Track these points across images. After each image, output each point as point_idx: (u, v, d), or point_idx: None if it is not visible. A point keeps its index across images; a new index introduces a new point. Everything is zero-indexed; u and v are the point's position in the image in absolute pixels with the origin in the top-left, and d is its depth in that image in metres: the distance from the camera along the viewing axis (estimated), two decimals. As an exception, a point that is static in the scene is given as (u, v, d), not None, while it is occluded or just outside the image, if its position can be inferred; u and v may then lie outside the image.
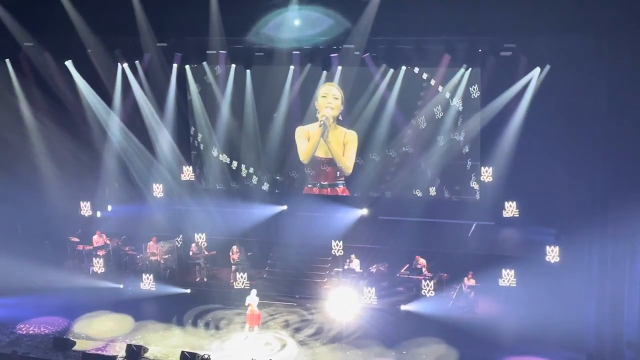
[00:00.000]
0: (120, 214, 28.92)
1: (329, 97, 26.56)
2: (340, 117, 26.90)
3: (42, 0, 21.78)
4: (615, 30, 19.17)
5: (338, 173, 27.57)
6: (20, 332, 22.69)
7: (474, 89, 25.62)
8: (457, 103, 25.83)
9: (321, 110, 26.71)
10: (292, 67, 25.25)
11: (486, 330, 22.51)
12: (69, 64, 25.46)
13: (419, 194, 26.74)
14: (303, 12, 22.88)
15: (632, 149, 19.49)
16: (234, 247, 25.36)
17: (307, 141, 27.33)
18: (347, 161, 27.26)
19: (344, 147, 27.22)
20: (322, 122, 26.74)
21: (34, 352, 21.26)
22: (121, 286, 25.77)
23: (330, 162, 27.43)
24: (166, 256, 26.31)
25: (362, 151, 27.06)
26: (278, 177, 27.93)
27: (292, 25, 23.11)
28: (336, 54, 23.80)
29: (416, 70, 25.42)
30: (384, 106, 26.00)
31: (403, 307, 23.76)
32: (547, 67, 22.80)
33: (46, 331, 22.60)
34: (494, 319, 23.33)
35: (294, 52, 24.22)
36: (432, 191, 26.77)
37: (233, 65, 25.65)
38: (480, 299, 23.64)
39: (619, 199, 19.81)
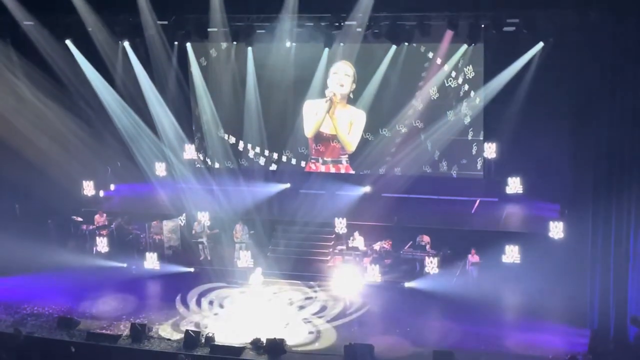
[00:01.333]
0: (123, 193, 29.00)
1: (340, 74, 26.70)
2: (351, 96, 26.92)
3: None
4: (621, 2, 19.02)
5: (341, 150, 27.67)
6: (25, 311, 22.71)
7: (476, 65, 25.61)
8: (460, 79, 25.87)
9: (331, 86, 26.72)
10: (294, 44, 25.12)
11: (490, 307, 22.59)
12: (69, 42, 25.36)
13: (422, 170, 26.79)
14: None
15: (637, 124, 19.39)
16: (238, 226, 25.35)
17: (314, 116, 27.47)
18: (351, 139, 27.47)
19: (350, 126, 27.32)
20: (328, 98, 26.81)
21: (39, 332, 21.32)
22: (125, 265, 25.80)
23: (335, 138, 27.58)
24: (170, 235, 26.31)
25: (365, 128, 27.09)
26: (281, 155, 27.99)
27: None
28: (338, 31, 23.66)
29: (419, 47, 25.37)
30: (386, 83, 25.97)
31: (407, 284, 23.76)
32: (551, 41, 22.67)
33: (50, 311, 22.60)
34: (497, 295, 23.40)
35: (295, 29, 24.04)
36: (435, 168, 26.85)
37: (234, 43, 25.52)
38: (484, 275, 23.65)
39: (623, 174, 19.75)
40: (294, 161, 28.07)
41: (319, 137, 27.86)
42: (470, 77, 25.84)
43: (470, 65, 25.72)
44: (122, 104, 26.74)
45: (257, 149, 28.12)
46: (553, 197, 25.03)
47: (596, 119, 20.21)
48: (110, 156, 27.60)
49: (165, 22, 24.38)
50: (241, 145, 28.25)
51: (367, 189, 27.03)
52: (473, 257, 23.54)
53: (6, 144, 23.85)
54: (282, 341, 20.21)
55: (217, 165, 28.46)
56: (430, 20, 22.82)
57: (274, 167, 28.26)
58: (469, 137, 26.45)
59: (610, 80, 19.56)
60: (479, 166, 26.56)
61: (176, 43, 26.03)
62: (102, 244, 25.97)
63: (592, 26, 20.51)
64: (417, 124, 26.56)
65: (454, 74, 25.83)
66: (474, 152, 26.50)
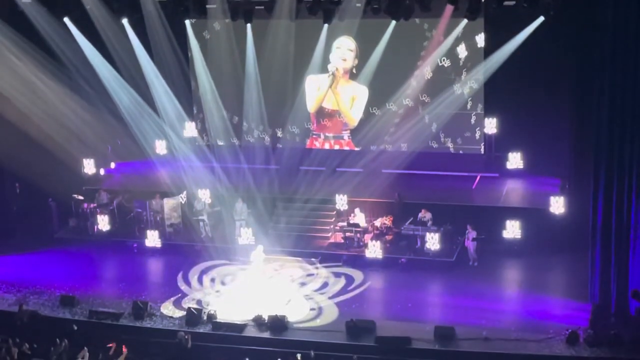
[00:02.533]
0: (123, 171, 29.04)
1: (343, 48, 26.83)
2: (354, 71, 26.95)
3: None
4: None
5: (344, 125, 27.69)
6: (27, 290, 22.76)
7: (477, 40, 25.55)
8: (460, 54, 25.90)
9: (334, 61, 26.73)
10: (293, 20, 25.03)
11: (491, 281, 22.73)
12: (67, 20, 25.25)
13: (422, 146, 26.81)
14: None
15: (638, 95, 19.34)
16: (239, 204, 25.35)
17: (316, 91, 27.60)
18: (353, 114, 27.67)
19: (352, 101, 27.38)
20: (331, 73, 26.87)
21: (42, 310, 21.39)
22: (127, 243, 25.84)
23: (337, 113, 27.61)
24: (171, 213, 26.31)
25: (368, 103, 27.11)
26: (281, 133, 28.01)
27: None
28: (337, 6, 23.54)
29: (418, 21, 25.29)
30: (387, 59, 25.90)
31: (407, 260, 23.79)
32: (552, 15, 22.55)
33: (52, 289, 22.65)
34: (498, 270, 23.51)
35: (295, 4, 23.90)
36: (436, 143, 26.85)
37: (233, 20, 25.39)
38: (485, 250, 23.69)
39: (624, 147, 19.71)
40: (294, 138, 28.03)
41: (321, 113, 27.92)
42: (471, 52, 25.79)
43: (471, 40, 25.67)
44: (121, 81, 26.63)
45: (257, 126, 28.10)
46: (554, 172, 25.16)
47: (597, 93, 20.12)
48: (110, 134, 27.53)
49: (164, -1, 24.31)
50: (243, 123, 28.21)
51: (367, 164, 26.96)
52: (471, 233, 23.54)
53: (5, 122, 23.81)
54: (284, 318, 20.30)
55: (217, 142, 28.40)
56: (430, -6, 22.70)
57: (274, 144, 28.23)
58: (470, 112, 26.47)
59: (612, 52, 19.44)
60: (479, 141, 26.56)
61: (175, 19, 25.90)
62: (103, 222, 26.00)
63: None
64: (420, 99, 26.57)
65: (454, 49, 25.76)
66: (474, 127, 26.51)
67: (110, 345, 18.57)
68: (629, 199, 19.85)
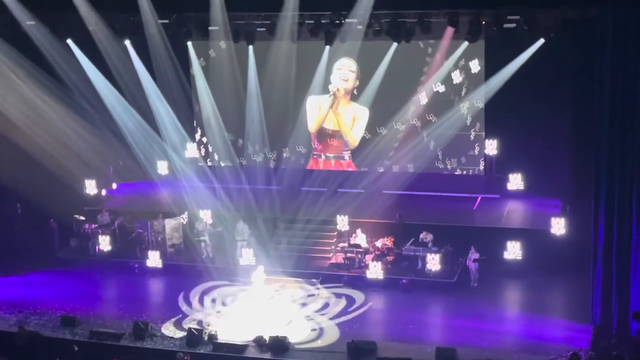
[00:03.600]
0: (125, 192, 29.06)
1: (344, 69, 26.94)
2: (355, 92, 27.07)
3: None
4: (618, 1, 19.06)
5: (344, 145, 27.75)
6: (27, 310, 22.74)
7: (477, 62, 25.66)
8: (461, 76, 25.95)
9: (335, 82, 26.92)
10: (294, 42, 25.15)
11: (492, 302, 22.70)
12: (70, 41, 25.39)
13: (423, 167, 26.85)
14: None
15: (638, 118, 19.44)
16: (240, 224, 25.37)
17: (317, 111, 27.66)
18: (354, 135, 27.70)
19: (353, 122, 27.46)
20: (332, 93, 26.98)
21: (42, 330, 21.35)
22: (128, 263, 25.85)
23: (337, 134, 27.70)
24: (172, 233, 26.32)
25: (368, 124, 27.17)
26: (283, 153, 28.03)
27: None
28: (339, 28, 23.67)
29: (419, 43, 25.41)
30: (388, 80, 26.00)
31: (408, 281, 23.77)
32: (552, 38, 22.66)
33: (53, 309, 22.63)
34: (499, 291, 23.48)
35: (296, 27, 24.01)
36: (437, 164, 26.88)
37: (235, 42, 25.50)
38: (486, 271, 23.68)
39: (625, 169, 19.79)
40: (296, 158, 28.07)
41: (322, 133, 27.97)
42: (472, 73, 25.87)
43: (471, 62, 25.75)
44: (123, 102, 26.75)
45: (259, 147, 28.15)
46: (554, 193, 25.12)
47: (597, 115, 20.21)
48: (112, 155, 27.60)
49: (166, 21, 24.38)
50: (242, 143, 28.28)
51: (369, 186, 26.98)
52: (474, 254, 23.54)
53: (8, 142, 23.88)
54: (285, 338, 20.29)
55: (219, 163, 28.46)
56: (431, 18, 22.78)
57: (276, 165, 28.30)
58: (470, 134, 26.49)
59: (611, 74, 19.55)
60: (480, 163, 26.59)
61: (177, 41, 26.02)
62: (104, 243, 26.02)
63: (593, 22, 20.50)
64: (421, 120, 26.60)
65: (455, 70, 25.86)
66: (475, 148, 26.54)
67: (112, 364, 18.64)
68: (630, 221, 19.88)
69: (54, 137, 25.12)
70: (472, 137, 26.50)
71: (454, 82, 26.03)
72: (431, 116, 26.45)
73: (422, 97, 26.19)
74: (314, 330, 21.35)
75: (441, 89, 26.14)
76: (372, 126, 27.19)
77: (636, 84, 19.33)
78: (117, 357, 18.76)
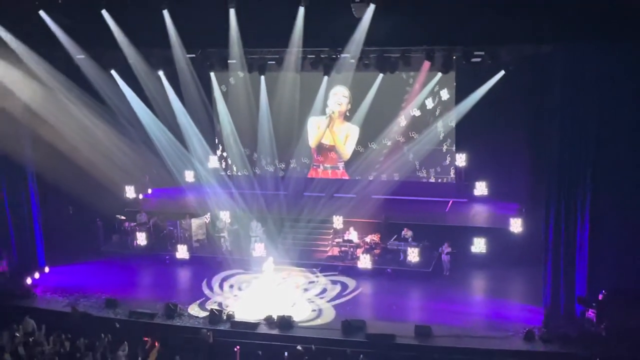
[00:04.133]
0: (158, 196, 29.06)
1: (339, 95, 26.94)
2: (347, 114, 27.04)
3: (91, 19, 21.67)
4: (567, 38, 19.13)
5: (339, 158, 27.78)
6: (78, 294, 22.75)
7: (449, 89, 25.70)
8: (436, 101, 25.94)
9: (331, 106, 26.85)
10: (298, 73, 25.16)
11: (461, 288, 22.73)
12: (113, 72, 25.44)
13: (404, 176, 26.87)
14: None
15: (581, 135, 19.52)
16: (253, 223, 25.38)
17: (317, 129, 27.64)
18: (347, 149, 27.67)
19: (346, 138, 27.48)
20: (328, 115, 27.03)
21: (90, 311, 21.39)
22: (161, 255, 25.85)
23: (333, 148, 27.74)
24: (197, 230, 26.35)
25: (358, 141, 27.18)
26: (290, 164, 28.00)
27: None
28: (335, 61, 23.71)
29: (402, 74, 25.46)
30: (376, 104, 26.03)
31: (392, 270, 23.78)
32: (511, 69, 22.73)
33: (99, 293, 22.63)
34: (467, 279, 23.50)
35: (300, 60, 24.03)
36: (416, 174, 26.89)
37: (250, 72, 25.52)
38: (456, 263, 23.68)
39: (571, 179, 19.84)
40: (299, 169, 28.08)
41: (321, 147, 27.98)
42: (444, 99, 25.95)
43: (444, 90, 25.81)
44: (157, 122, 26.73)
45: (269, 159, 28.17)
46: (513, 198, 25.12)
47: (548, 133, 20.29)
48: (147, 165, 27.57)
49: (193, 55, 24.37)
50: (255, 156, 28.30)
51: (359, 191, 26.91)
52: (447, 248, 23.56)
53: (61, 156, 23.88)
54: (290, 317, 20.30)
55: (236, 173, 28.47)
56: (411, 53, 22.78)
57: (282, 174, 28.31)
58: (444, 149, 26.53)
59: (561, 99, 19.62)
60: (451, 172, 26.61)
61: (202, 72, 26.05)
62: (141, 238, 26.03)
63: (544, 57, 20.60)
64: (401, 138, 26.61)
65: (431, 97, 25.90)
66: (447, 160, 26.56)
67: (146, 340, 18.58)
68: (575, 221, 19.94)
69: (100, 151, 25.13)
70: (445, 151, 26.54)
71: (430, 106, 26.08)
72: (413, 133, 26.49)
73: (404, 118, 26.23)
74: (314, 311, 21.35)
75: (420, 111, 26.17)
76: (364, 141, 27.20)
77: (581, 107, 19.41)
78: (151, 336, 18.71)
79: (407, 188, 26.75)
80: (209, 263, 25.09)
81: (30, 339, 18.78)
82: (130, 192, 27.52)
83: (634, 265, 19.74)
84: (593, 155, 19.46)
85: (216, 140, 28.74)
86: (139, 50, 23.92)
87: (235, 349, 17.89)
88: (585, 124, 19.39)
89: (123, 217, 27.24)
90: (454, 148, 26.35)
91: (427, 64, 23.61)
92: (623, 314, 19.05)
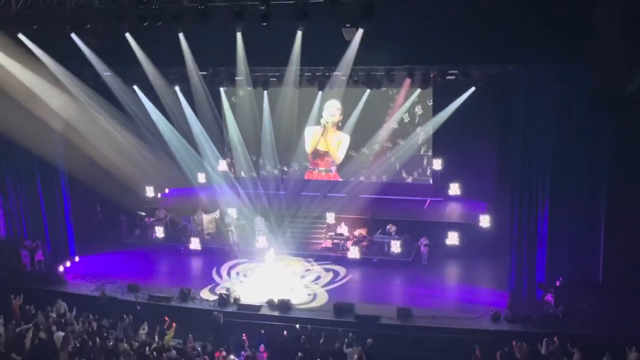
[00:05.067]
0: (174, 195, 29.07)
1: (332, 108, 26.90)
2: (339, 124, 27.04)
3: (116, 41, 21.67)
4: (529, 59, 19.28)
5: (332, 162, 27.77)
6: (104, 280, 22.81)
7: (427, 103, 25.74)
8: (416, 113, 26.00)
9: (325, 117, 26.88)
10: (296, 88, 25.22)
11: (437, 276, 22.80)
12: (136, 87, 25.47)
13: (388, 178, 26.88)
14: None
15: (540, 145, 19.66)
16: (257, 218, 25.44)
17: (312, 137, 27.59)
18: (339, 154, 27.61)
19: (338, 145, 27.46)
20: (323, 125, 27.04)
21: (114, 294, 21.49)
22: (176, 247, 25.88)
23: (327, 154, 27.71)
24: (208, 225, 26.36)
25: (349, 147, 27.20)
26: (289, 167, 28.02)
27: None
28: (329, 78, 23.80)
29: (387, 90, 25.51)
30: (364, 116, 26.07)
31: (378, 260, 23.86)
32: (480, 86, 22.84)
33: (122, 279, 22.67)
34: (442, 268, 23.57)
35: (298, 77, 24.08)
36: (398, 176, 26.93)
37: (254, 88, 25.57)
38: (433, 253, 23.77)
39: (532, 181, 19.99)
40: (297, 172, 28.09)
41: (316, 153, 27.92)
42: (423, 111, 25.96)
43: (423, 103, 25.85)
44: (173, 130, 26.72)
45: (271, 163, 28.18)
46: (482, 197, 25.14)
47: (512, 141, 20.40)
48: (165, 168, 27.54)
49: (205, 73, 24.42)
50: (260, 161, 28.31)
51: (349, 191, 26.87)
52: (425, 240, 23.66)
53: (90, 160, 23.90)
54: (288, 301, 20.38)
55: (242, 174, 28.50)
56: (395, 72, 22.91)
57: (282, 176, 28.32)
58: (422, 154, 26.57)
59: (524, 112, 19.74)
60: (429, 175, 26.67)
61: (213, 87, 26.09)
62: (159, 232, 26.07)
63: (508, 76, 20.75)
64: (386, 145, 26.65)
65: (411, 109, 25.95)
66: (426, 165, 26.61)
67: (166, 319, 18.63)
68: (535, 217, 20.08)
69: (124, 156, 25.09)
70: (423, 156, 26.58)
71: (411, 117, 26.09)
72: (395, 142, 26.51)
73: (389, 128, 26.22)
74: (309, 295, 21.42)
75: (402, 122, 26.18)
76: (356, 147, 27.14)
77: (540, 119, 19.55)
78: (168, 316, 18.77)
79: (391, 188, 26.75)
80: (218, 253, 25.14)
81: (63, 320, 18.84)
82: (150, 191, 27.57)
83: (586, 256, 19.89)
84: (551, 160, 19.60)
85: (225, 146, 28.75)
86: (158, 68, 23.95)
87: (243, 337, 17.89)
88: (544, 133, 19.54)
89: (144, 214, 27.27)
90: (431, 153, 26.37)
91: (408, 81, 23.79)
92: (576, 298, 19.19)
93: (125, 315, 18.86)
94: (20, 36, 20.62)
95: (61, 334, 17.46)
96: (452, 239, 23.54)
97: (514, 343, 16.85)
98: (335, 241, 24.94)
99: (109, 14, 18.84)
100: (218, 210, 26.63)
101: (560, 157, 19.46)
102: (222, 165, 28.02)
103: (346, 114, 26.77)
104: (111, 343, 17.34)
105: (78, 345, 17.02)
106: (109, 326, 18.75)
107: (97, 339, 17.42)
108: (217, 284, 22.39)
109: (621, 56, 16.75)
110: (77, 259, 24.65)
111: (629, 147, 18.56)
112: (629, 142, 18.52)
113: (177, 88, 25.84)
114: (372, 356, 16.95)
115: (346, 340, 17.36)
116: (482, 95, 23.22)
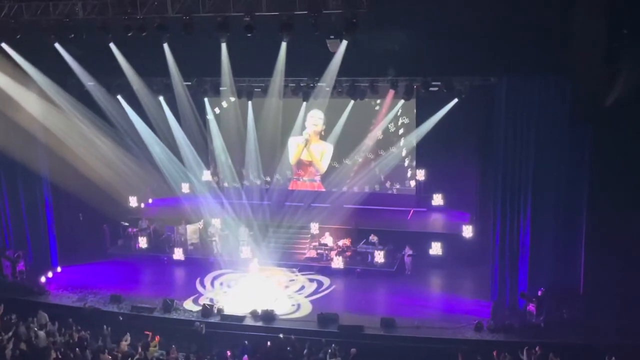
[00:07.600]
0: (158, 205, 28.87)
1: (315, 118, 26.86)
2: (322, 134, 27.05)
3: (100, 51, 21.61)
4: (510, 71, 19.49)
5: (316, 172, 27.75)
6: (87, 291, 22.58)
7: (410, 114, 25.83)
8: (399, 124, 26.07)
9: (308, 127, 26.89)
10: (281, 99, 25.23)
11: (420, 286, 22.83)
12: (120, 97, 25.35)
13: (372, 189, 26.89)
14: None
15: (521, 156, 19.80)
16: (241, 228, 25.33)
17: (296, 148, 27.50)
18: (322, 164, 27.54)
19: (321, 155, 27.44)
20: (307, 135, 27.01)
21: (96, 305, 21.28)
22: (160, 257, 25.68)
23: (311, 164, 27.69)
24: (192, 235, 26.20)
25: (333, 157, 27.22)
26: (272, 178, 27.94)
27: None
28: (313, 89, 23.84)
29: (370, 101, 25.57)
30: (347, 126, 26.12)
31: (361, 270, 23.84)
32: (463, 97, 22.98)
33: (105, 290, 22.47)
34: (426, 278, 23.60)
35: (282, 87, 24.11)
36: (382, 187, 26.96)
37: (239, 98, 25.53)
38: (416, 263, 23.80)
39: (513, 192, 20.14)
40: (281, 182, 28.03)
41: (300, 163, 27.82)
42: (406, 122, 26.03)
43: (406, 114, 25.94)
44: (157, 140, 26.57)
45: (255, 174, 28.10)
46: (465, 208, 25.26)
47: (495, 152, 20.55)
48: (148, 178, 27.37)
49: (189, 83, 24.39)
50: (243, 170, 28.22)
51: (333, 201, 26.86)
52: (408, 250, 23.69)
53: (73, 169, 23.72)
54: (272, 311, 20.31)
55: (226, 185, 28.40)
56: (378, 83, 23.02)
57: (266, 186, 28.25)
58: (406, 165, 26.64)
59: (505, 124, 19.92)
60: (412, 185, 26.74)
61: (197, 97, 26.03)
62: (142, 242, 25.87)
63: (490, 87, 20.95)
64: (369, 155, 26.69)
65: (395, 120, 26.04)
66: (409, 175, 26.68)
67: (147, 332, 18.45)
68: (517, 228, 20.22)
69: (107, 165, 24.92)
70: (407, 167, 26.65)
71: (395, 128, 26.16)
72: (379, 152, 26.55)
73: (373, 138, 26.21)
74: (293, 305, 21.37)
75: (386, 132, 26.23)
76: (339, 158, 27.13)
77: (521, 130, 19.73)
78: (151, 328, 18.57)
79: (374, 199, 26.75)
80: (202, 264, 24.96)
81: (43, 331, 18.59)
82: (133, 201, 27.32)
83: (567, 267, 20.06)
84: (532, 171, 19.79)
85: (209, 156, 28.64)
86: (142, 78, 23.90)
87: (228, 354, 17.75)
88: (525, 144, 19.74)
89: (127, 223, 27.02)
90: (414, 164, 26.45)
91: (391, 92, 23.93)
92: (558, 308, 19.31)
93: (105, 326, 18.64)
94: (4, 45, 20.51)
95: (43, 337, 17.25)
96: (436, 249, 23.55)
97: (494, 353, 16.86)
98: (319, 251, 24.88)
99: (93, 24, 18.80)
100: (202, 221, 26.45)
101: (542, 167, 19.64)
102: (206, 176, 27.90)
103: (330, 124, 26.79)
104: (91, 355, 17.10)
105: (60, 356, 16.78)
106: (89, 337, 18.50)
107: (78, 350, 17.18)
108: (200, 295, 22.26)
109: (601, 68, 16.98)
110: (59, 269, 24.39)
111: (609, 158, 18.82)
112: (609, 153, 18.79)
113: (161, 98, 25.71)
114: (356, 366, 16.91)
115: (330, 350, 17.31)
116: (464, 107, 23.31)
